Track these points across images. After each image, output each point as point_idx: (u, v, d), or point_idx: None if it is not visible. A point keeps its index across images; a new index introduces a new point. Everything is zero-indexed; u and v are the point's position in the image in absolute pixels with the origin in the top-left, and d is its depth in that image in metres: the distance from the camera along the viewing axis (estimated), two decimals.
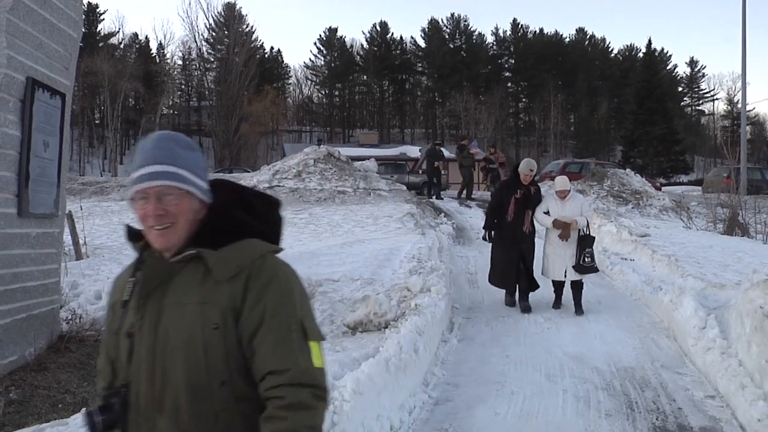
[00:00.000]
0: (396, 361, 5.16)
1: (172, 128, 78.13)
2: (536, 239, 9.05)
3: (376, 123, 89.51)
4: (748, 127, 50.88)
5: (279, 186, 21.51)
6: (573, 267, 8.44)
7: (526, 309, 8.62)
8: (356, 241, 12.89)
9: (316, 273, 9.57)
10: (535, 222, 8.89)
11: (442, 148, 24.98)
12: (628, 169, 26.12)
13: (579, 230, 8.52)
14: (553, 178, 26.29)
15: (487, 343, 7.27)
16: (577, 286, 8.60)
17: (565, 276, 8.57)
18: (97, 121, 72.02)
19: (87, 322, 7.12)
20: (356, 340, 6.74)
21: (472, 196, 23.02)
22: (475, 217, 18.20)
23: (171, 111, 79.39)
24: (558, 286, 8.81)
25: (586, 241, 8.53)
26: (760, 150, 76.23)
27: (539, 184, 23.68)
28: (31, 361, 5.89)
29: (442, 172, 24.03)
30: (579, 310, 8.51)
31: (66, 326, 6.89)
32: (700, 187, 33.38)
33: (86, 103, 67.69)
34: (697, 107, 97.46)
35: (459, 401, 5.44)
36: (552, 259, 8.71)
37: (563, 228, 8.46)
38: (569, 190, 8.73)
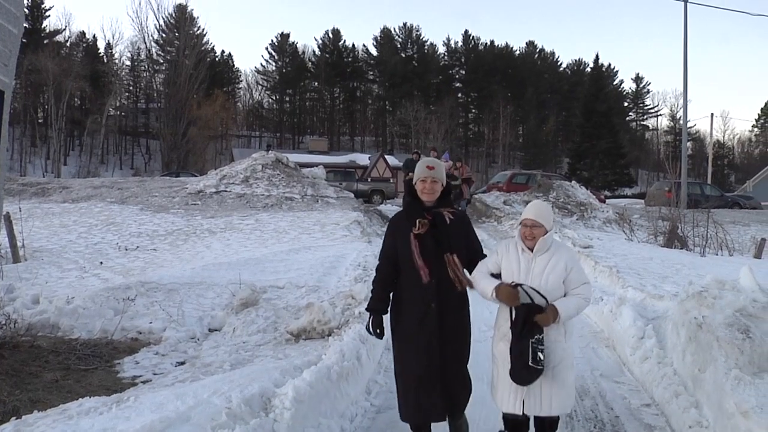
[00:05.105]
0: (338, 368, 5.15)
1: (119, 130, 77.00)
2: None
3: (326, 130, 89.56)
4: (689, 143, 52.35)
5: (226, 191, 21.30)
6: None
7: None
8: (302, 248, 12.85)
9: (260, 280, 9.51)
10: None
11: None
12: (573, 182, 26.67)
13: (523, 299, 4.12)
14: (500, 189, 26.55)
15: None
16: (549, 425, 4.41)
17: (524, 409, 4.20)
18: (40, 120, 70.18)
19: (22, 328, 6.92)
20: (299, 347, 6.69)
21: None
22: None
23: (118, 112, 78.01)
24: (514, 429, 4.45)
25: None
26: (701, 165, 78.51)
27: (484, 196, 23.28)
28: None
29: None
30: None
31: None
32: (643, 200, 34.25)
33: (29, 102, 65.97)
34: (642, 122, 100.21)
35: None
36: (502, 368, 4.27)
37: (512, 298, 4.08)
38: (543, 228, 4.21)
